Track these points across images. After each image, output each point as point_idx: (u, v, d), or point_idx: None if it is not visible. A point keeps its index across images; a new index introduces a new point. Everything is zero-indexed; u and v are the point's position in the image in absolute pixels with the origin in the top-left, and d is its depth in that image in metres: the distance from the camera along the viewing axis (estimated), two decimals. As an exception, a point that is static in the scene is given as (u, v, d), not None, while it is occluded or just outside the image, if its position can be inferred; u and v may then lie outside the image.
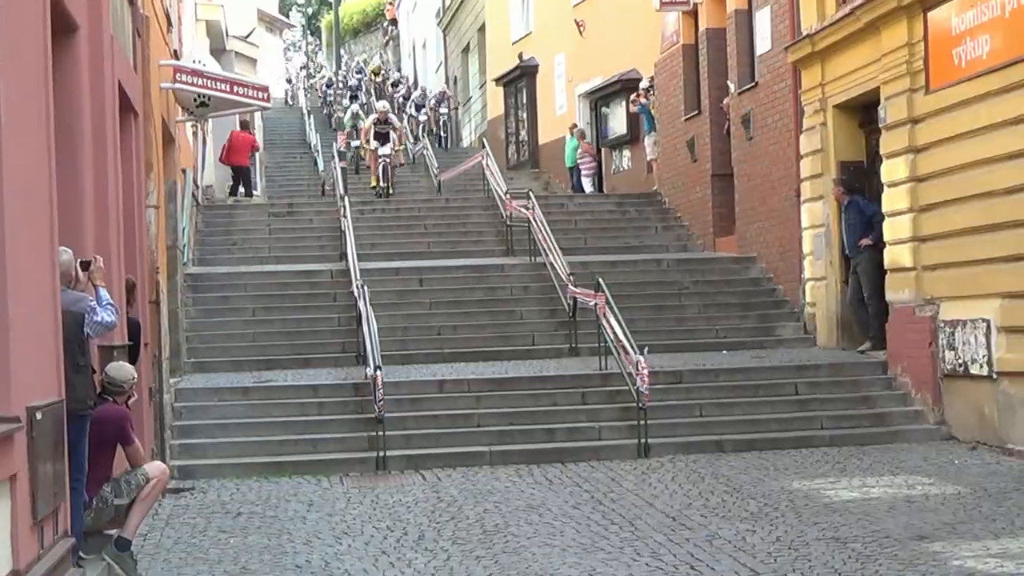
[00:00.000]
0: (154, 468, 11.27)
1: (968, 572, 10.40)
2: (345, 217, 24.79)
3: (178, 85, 19.76)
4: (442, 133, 44.52)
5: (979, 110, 16.36)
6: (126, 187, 14.45)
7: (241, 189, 32.30)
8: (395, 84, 52.43)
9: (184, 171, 22.61)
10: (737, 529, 12.31)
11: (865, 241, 19.53)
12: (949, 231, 17.12)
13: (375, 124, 32.83)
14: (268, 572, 11.31)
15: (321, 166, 36.01)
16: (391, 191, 31.69)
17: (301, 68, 69.41)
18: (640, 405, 16.97)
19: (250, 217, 28.47)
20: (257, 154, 34.95)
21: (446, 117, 44.14)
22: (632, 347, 17.53)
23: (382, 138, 32.25)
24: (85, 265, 10.49)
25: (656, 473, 15.73)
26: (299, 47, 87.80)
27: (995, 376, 16.26)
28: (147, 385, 15.41)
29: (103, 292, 10.44)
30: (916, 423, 17.73)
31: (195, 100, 20.36)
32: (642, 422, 16.97)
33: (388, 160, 31.65)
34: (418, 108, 44.52)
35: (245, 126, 32.80)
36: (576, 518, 13.29)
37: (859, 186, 20.10)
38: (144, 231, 16.20)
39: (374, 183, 32.18)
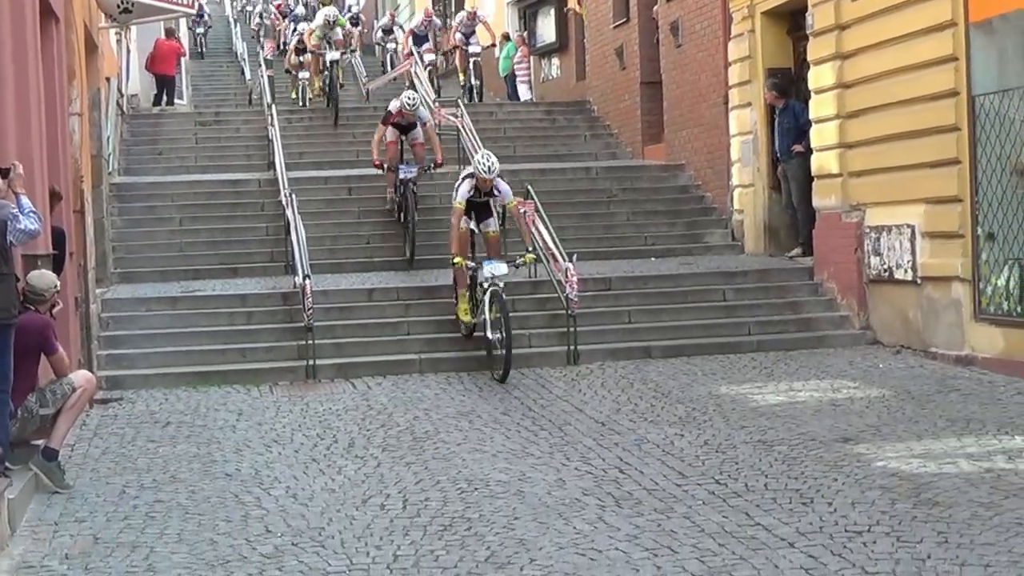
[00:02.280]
0: (80, 377, 11.22)
1: (891, 473, 10.55)
2: (273, 126, 24.55)
3: (101, -9, 19.48)
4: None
5: (904, 16, 16.40)
6: (48, 94, 14.27)
7: (165, 98, 31.94)
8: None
9: (108, 79, 22.32)
10: (665, 433, 12.43)
11: (797, 147, 19.57)
12: (875, 137, 17.21)
13: (323, 27, 31.13)
14: (198, 481, 11.32)
15: (248, 75, 35.65)
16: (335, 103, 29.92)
17: None
18: (569, 312, 17.03)
19: (176, 126, 28.18)
20: (183, 61, 34.56)
21: (393, 53, 40.69)
22: (561, 254, 17.57)
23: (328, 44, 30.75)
24: (4, 173, 10.35)
25: (585, 379, 15.83)
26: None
27: (919, 281, 16.42)
28: (73, 295, 15.31)
29: (24, 200, 10.32)
30: (842, 328, 17.89)
31: (118, 6, 20.02)
32: (571, 329, 17.04)
33: (336, 63, 30.82)
34: (354, 23, 43.47)
35: (170, 34, 32.37)
36: (506, 424, 13.37)
37: (792, 91, 20.12)
38: (67, 139, 16.04)
39: (314, 92, 31.51)
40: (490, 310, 16.15)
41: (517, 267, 16.91)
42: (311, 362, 16.59)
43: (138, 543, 9.40)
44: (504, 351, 15.79)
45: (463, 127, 24.30)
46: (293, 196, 19.81)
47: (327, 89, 29.28)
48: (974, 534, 8.78)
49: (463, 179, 17.10)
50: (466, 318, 16.97)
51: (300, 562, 8.81)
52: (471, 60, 32.14)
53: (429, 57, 32.84)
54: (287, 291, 18.38)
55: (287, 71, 33.55)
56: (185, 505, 10.50)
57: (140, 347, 17.20)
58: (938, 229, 16.04)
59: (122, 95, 26.77)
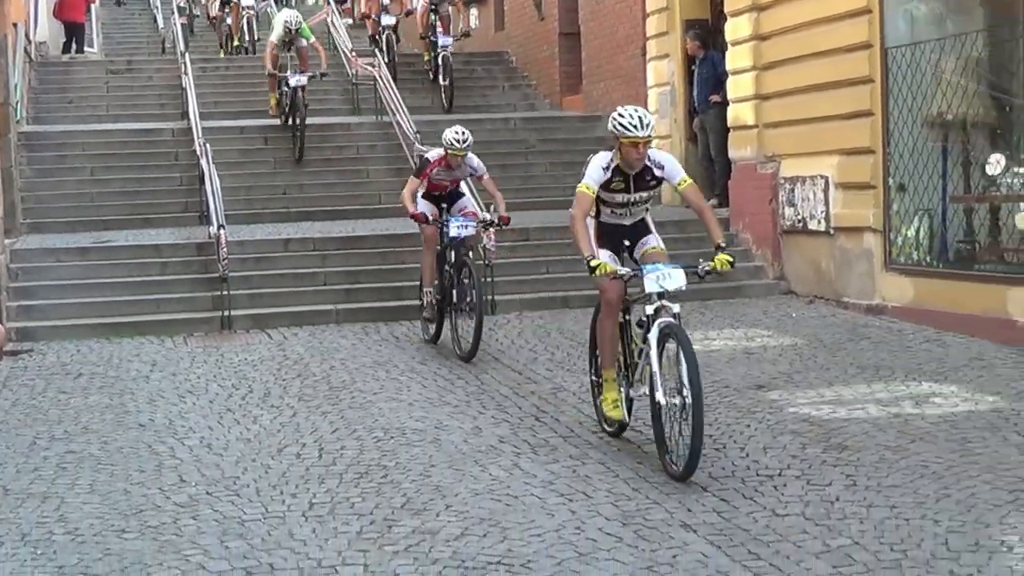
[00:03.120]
0: (-9, 327, 11.13)
1: (803, 418, 10.69)
2: (186, 75, 24.34)
3: (9, -63, 19.24)
4: None
5: (820, -32, 16.51)
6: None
7: (75, 46, 31.51)
8: None
9: (15, 25, 22.01)
10: (581, 382, 12.46)
11: (714, 97, 19.67)
12: (790, 89, 17.30)
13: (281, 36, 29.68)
14: (110, 431, 11.26)
15: (161, 23, 35.28)
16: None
17: None
18: (487, 262, 17.02)
19: (87, 75, 27.83)
20: (93, 8, 34.11)
21: None
22: (479, 205, 17.54)
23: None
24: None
25: (503, 329, 15.86)
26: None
27: (832, 232, 16.56)
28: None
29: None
30: (757, 278, 18.02)
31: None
32: (489, 279, 17.04)
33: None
34: None
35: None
36: (423, 374, 13.39)
37: (711, 42, 20.19)
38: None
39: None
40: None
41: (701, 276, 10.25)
42: (226, 313, 16.51)
43: (49, 494, 9.35)
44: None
45: (380, 77, 24.21)
46: (207, 145, 19.68)
47: (287, 112, 23.58)
48: (881, 477, 8.94)
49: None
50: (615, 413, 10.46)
51: (215, 511, 8.80)
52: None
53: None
54: (202, 241, 18.24)
55: (210, 21, 33.19)
56: (97, 456, 10.45)
57: (51, 298, 17.02)
58: (851, 180, 16.18)
59: (30, 42, 26.39)
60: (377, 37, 28.43)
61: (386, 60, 26.09)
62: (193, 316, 16.74)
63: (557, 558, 7.58)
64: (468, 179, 15.53)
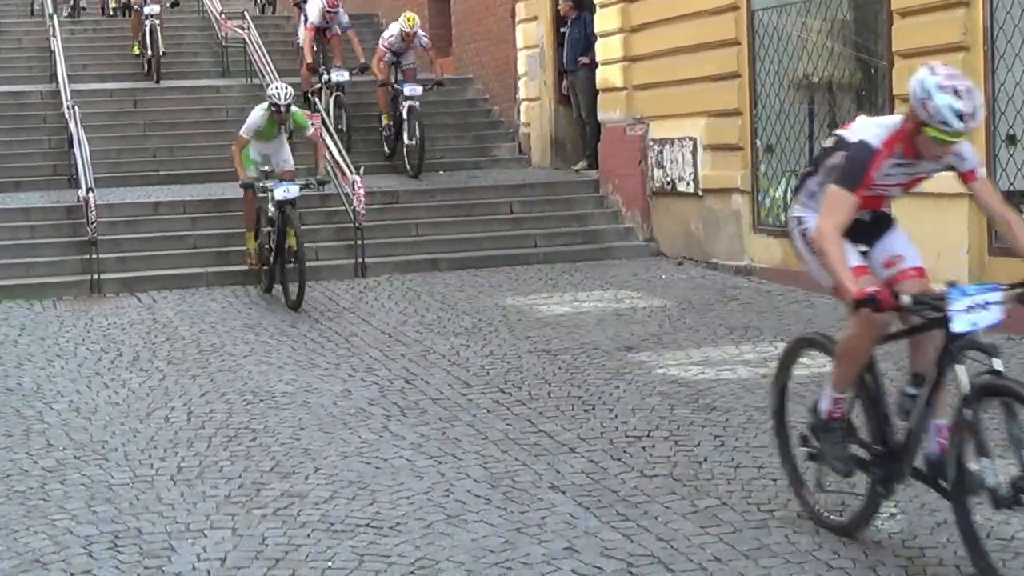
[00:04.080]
0: None
1: (671, 380, 10.81)
2: (55, 36, 23.99)
3: None
4: None
5: (689, -70, 16.64)
6: None
7: None
8: None
9: None
10: (451, 344, 12.56)
11: (583, 59, 19.75)
12: (658, 51, 17.43)
13: None
14: (-23, 396, 11.16)
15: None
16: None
17: None
18: (356, 225, 17.04)
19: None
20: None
21: None
22: (349, 168, 17.56)
23: None
24: None
25: (373, 292, 15.88)
26: None
27: (700, 193, 16.75)
28: None
29: None
30: (627, 240, 18.17)
31: None
32: (359, 242, 17.06)
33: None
34: None
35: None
36: (293, 336, 13.38)
37: (584, 3, 20.22)
38: None
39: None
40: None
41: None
42: (95, 276, 16.37)
43: (-86, 460, 9.26)
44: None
45: (250, 39, 24.01)
46: (76, 108, 19.44)
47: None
48: (749, 437, 9.06)
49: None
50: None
51: (82, 475, 8.75)
52: None
53: None
54: (71, 205, 18.06)
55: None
56: (-36, 421, 10.36)
57: (-83, 262, 16.78)
58: (719, 142, 16.36)
59: None
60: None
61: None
62: (62, 280, 16.57)
63: (426, 520, 7.63)
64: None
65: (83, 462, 9.07)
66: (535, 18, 21.10)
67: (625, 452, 8.86)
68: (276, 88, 15.80)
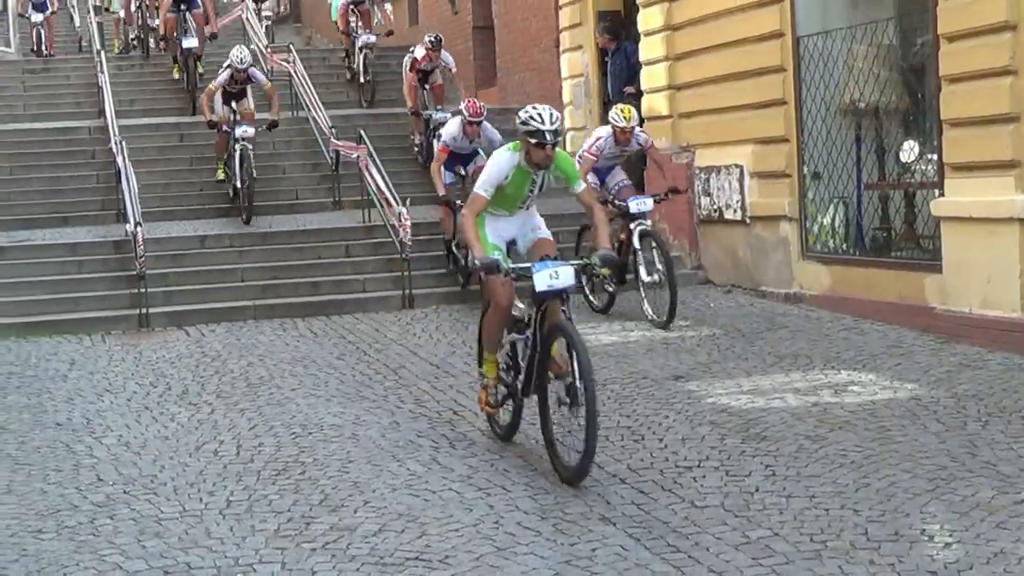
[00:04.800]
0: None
1: (721, 409, 10.74)
2: (102, 72, 24.16)
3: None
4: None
5: (731, -41, 16.61)
6: None
7: None
8: None
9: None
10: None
11: (628, 89, 19.73)
12: (703, 79, 17.39)
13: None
14: (28, 431, 11.18)
15: (78, 22, 34.95)
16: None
17: None
18: (404, 256, 17.04)
19: (3, 74, 27.58)
20: (10, 7, 33.83)
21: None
22: (395, 199, 17.55)
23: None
24: None
25: (420, 323, 15.87)
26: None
27: (748, 221, 16.67)
28: None
29: None
30: (674, 268, 18.05)
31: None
32: (405, 273, 17.06)
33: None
34: None
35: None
36: (341, 369, 13.37)
37: (623, 33, 20.25)
38: None
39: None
40: None
41: None
42: (144, 310, 16.42)
43: (-35, 495, 9.29)
44: None
45: (295, 73, 24.11)
46: (123, 143, 19.53)
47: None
48: (800, 467, 8.99)
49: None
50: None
51: (132, 510, 8.75)
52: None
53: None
54: (119, 239, 18.16)
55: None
56: (15, 455, 10.38)
57: (-33, 298, 16.89)
58: (766, 169, 16.28)
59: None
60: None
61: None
62: (111, 314, 16.64)
63: (475, 553, 7.59)
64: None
65: (132, 496, 9.07)
66: (580, 47, 21.10)
67: (675, 483, 8.80)
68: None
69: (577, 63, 21.24)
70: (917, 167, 14.24)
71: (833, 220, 15.38)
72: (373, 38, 25.33)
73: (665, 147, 18.25)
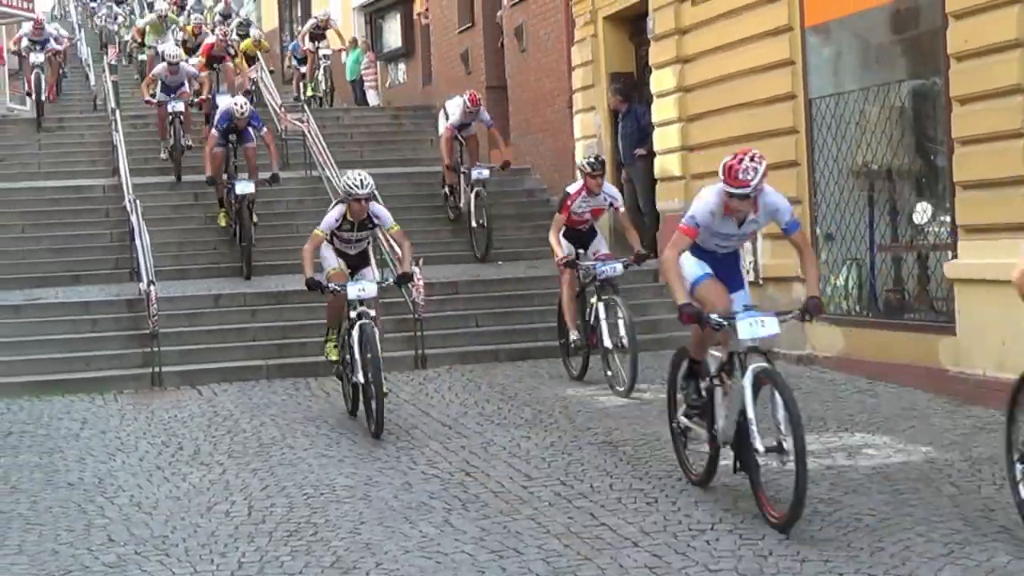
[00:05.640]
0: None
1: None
2: (117, 131, 24.28)
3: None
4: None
5: (743, 21, 16.66)
6: None
7: None
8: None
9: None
10: (512, 436, 12.50)
11: (640, 151, 19.79)
12: (716, 140, 17.41)
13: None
14: (39, 490, 11.18)
15: (93, 80, 35.12)
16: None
17: None
18: (416, 316, 17.05)
19: (18, 132, 27.71)
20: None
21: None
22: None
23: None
24: None
25: (433, 383, 15.86)
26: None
27: (761, 282, 16.65)
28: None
29: None
30: (687, 330, 17.93)
31: (-48, 11, 19.81)
32: (419, 333, 17.07)
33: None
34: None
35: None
36: (352, 429, 13.36)
37: (634, 95, 20.32)
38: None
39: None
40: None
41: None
42: (156, 369, 16.44)
43: (-24, 555, 9.27)
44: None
45: (309, 132, 24.21)
46: (137, 202, 19.62)
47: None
48: (814, 530, 8.96)
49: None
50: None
51: (143, 571, 8.74)
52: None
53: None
54: (132, 298, 18.20)
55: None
56: (26, 515, 10.38)
57: (-19, 356, 16.91)
58: (778, 231, 16.22)
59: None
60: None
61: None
62: (123, 373, 16.67)
63: (488, 615, 7.57)
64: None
65: (144, 558, 9.06)
66: (592, 108, 21.17)
67: (689, 546, 8.76)
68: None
69: (590, 124, 21.30)
70: (930, 229, 14.24)
71: (846, 282, 15.38)
72: (486, 172, 21.67)
73: (678, 207, 18.28)
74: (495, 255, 21.55)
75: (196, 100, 25.24)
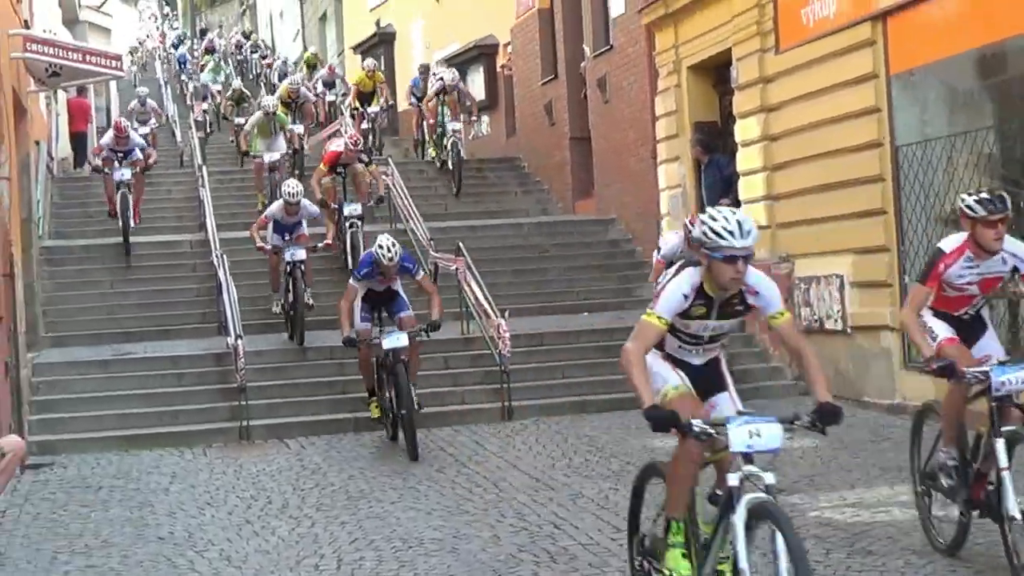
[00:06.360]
0: (8, 442, 11.05)
1: (825, 522, 10.61)
2: (203, 187, 24.54)
3: (29, 55, 19.47)
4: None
5: (827, 69, 16.62)
6: (-25, 159, 14.23)
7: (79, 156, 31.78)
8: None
9: (38, 143, 22.25)
10: (600, 488, 12.44)
11: (724, 201, 19.70)
12: (801, 189, 17.37)
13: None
14: (130, 545, 11.24)
15: (179, 137, 35.52)
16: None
17: (158, 34, 67.56)
18: (503, 368, 17.06)
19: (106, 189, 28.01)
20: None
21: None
22: (493, 310, 17.61)
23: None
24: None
25: (520, 435, 15.84)
26: (154, 16, 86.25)
27: (849, 331, 16.55)
28: (3, 360, 15.22)
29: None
30: (775, 379, 17.98)
31: (47, 70, 20.07)
32: (505, 385, 17.08)
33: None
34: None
35: (80, 92, 32.23)
36: (440, 482, 13.34)
37: (716, 146, 20.29)
38: (-3, 204, 15.97)
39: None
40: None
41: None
42: (244, 423, 16.53)
43: (70, 610, 9.33)
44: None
45: (394, 185, 24.33)
46: (224, 256, 19.78)
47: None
48: (900, 584, 8.85)
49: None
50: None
51: (234, 625, 8.76)
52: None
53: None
54: (219, 352, 18.33)
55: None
56: (117, 570, 10.44)
57: (72, 411, 17.10)
58: (866, 279, 16.19)
59: (52, 158, 26.67)
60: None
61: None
62: (211, 427, 16.78)
63: (579, 669, 7.52)
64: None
65: (234, 611, 9.08)
66: (676, 158, 21.14)
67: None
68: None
69: (674, 174, 21.27)
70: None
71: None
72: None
73: (764, 257, 18.21)
74: (579, 306, 21.58)
75: (321, 245, 20.39)
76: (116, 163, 23.91)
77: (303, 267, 19.09)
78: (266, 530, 11.55)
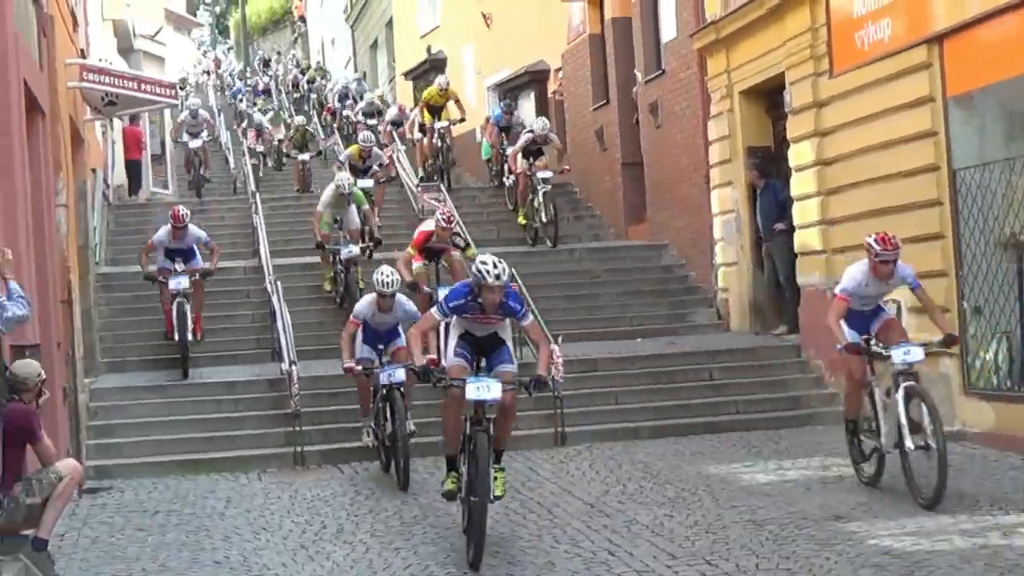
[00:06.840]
0: (66, 466, 11.13)
1: (884, 551, 10.51)
2: (257, 214, 24.63)
3: (85, 84, 19.64)
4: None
5: (882, 92, 16.53)
6: (34, 186, 14.34)
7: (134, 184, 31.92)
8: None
9: (94, 170, 22.38)
10: (655, 514, 12.38)
11: (779, 226, 19.66)
12: (856, 213, 17.27)
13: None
14: (186, 569, 11.28)
15: (232, 163, 35.70)
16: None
17: (210, 64, 67.91)
18: (556, 394, 17.01)
19: (161, 215, 28.08)
20: (167, 149, 34.60)
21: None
22: (547, 336, 17.55)
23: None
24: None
25: (573, 461, 15.79)
26: (208, 45, 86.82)
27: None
28: (61, 385, 15.29)
29: (13, 285, 10.36)
30: (830, 405, 17.85)
31: (103, 99, 20.21)
32: (558, 411, 17.04)
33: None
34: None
35: (133, 120, 32.43)
36: (494, 507, 13.22)
37: (771, 171, 20.22)
38: (54, 230, 16.07)
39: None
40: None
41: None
42: (299, 448, 16.56)
43: (127, 634, 9.35)
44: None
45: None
46: (278, 283, 19.83)
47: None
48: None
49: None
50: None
51: (291, 650, 8.75)
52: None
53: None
54: (273, 378, 18.38)
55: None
56: (174, 594, 10.46)
57: (128, 436, 17.22)
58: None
59: (108, 186, 26.85)
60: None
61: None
62: (266, 452, 16.82)
63: None
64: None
65: (291, 637, 9.07)
66: (729, 183, 21.09)
67: (840, 626, 8.60)
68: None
69: (727, 199, 21.21)
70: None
71: (996, 355, 15.09)
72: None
73: (819, 281, 18.13)
74: (633, 332, 21.53)
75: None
76: (171, 268, 20.29)
77: (401, 389, 15.49)
78: (321, 555, 11.55)
